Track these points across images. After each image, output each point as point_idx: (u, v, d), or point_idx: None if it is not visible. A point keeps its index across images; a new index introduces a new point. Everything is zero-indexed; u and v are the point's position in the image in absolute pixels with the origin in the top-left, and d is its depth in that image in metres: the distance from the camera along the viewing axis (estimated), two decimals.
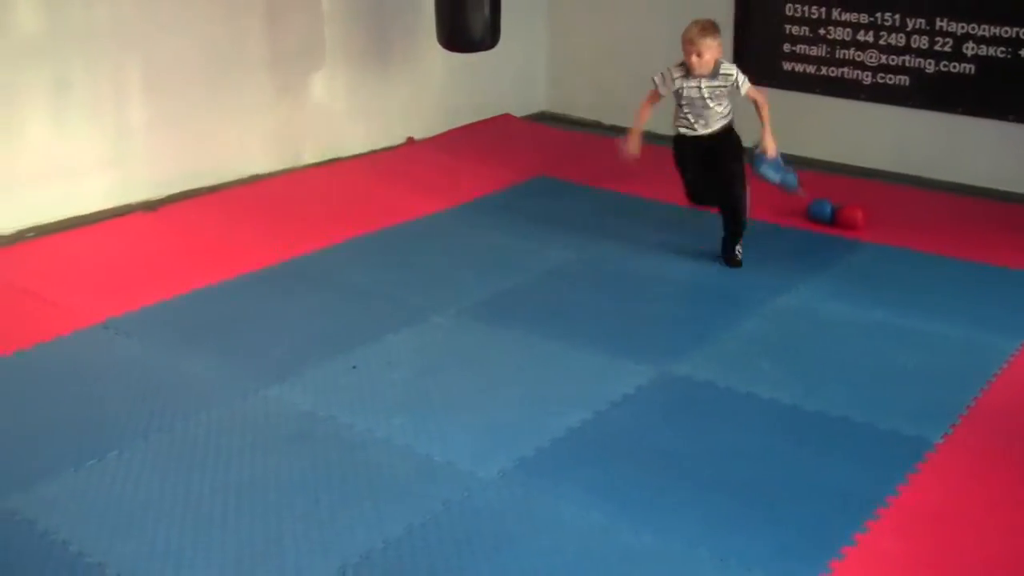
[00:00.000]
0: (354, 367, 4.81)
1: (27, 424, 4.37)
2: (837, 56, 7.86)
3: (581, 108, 9.36)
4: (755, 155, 5.92)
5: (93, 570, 3.45)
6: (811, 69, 7.98)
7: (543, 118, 9.46)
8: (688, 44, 5.71)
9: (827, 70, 7.92)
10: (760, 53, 8.15)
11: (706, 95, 5.78)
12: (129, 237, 6.48)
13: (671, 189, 7.17)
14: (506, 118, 9.18)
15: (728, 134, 5.92)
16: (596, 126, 9.11)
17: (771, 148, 5.87)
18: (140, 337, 5.11)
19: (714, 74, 5.77)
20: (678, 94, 5.85)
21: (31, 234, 6.41)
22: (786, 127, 8.09)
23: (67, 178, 6.65)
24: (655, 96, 5.98)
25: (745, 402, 4.56)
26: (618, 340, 5.11)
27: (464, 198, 7.15)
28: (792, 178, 6.20)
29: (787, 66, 8.07)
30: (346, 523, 3.70)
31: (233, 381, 4.68)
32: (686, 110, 5.86)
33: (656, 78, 5.91)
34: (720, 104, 5.81)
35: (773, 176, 6.03)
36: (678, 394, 4.64)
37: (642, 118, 6.04)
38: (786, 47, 8.05)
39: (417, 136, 8.54)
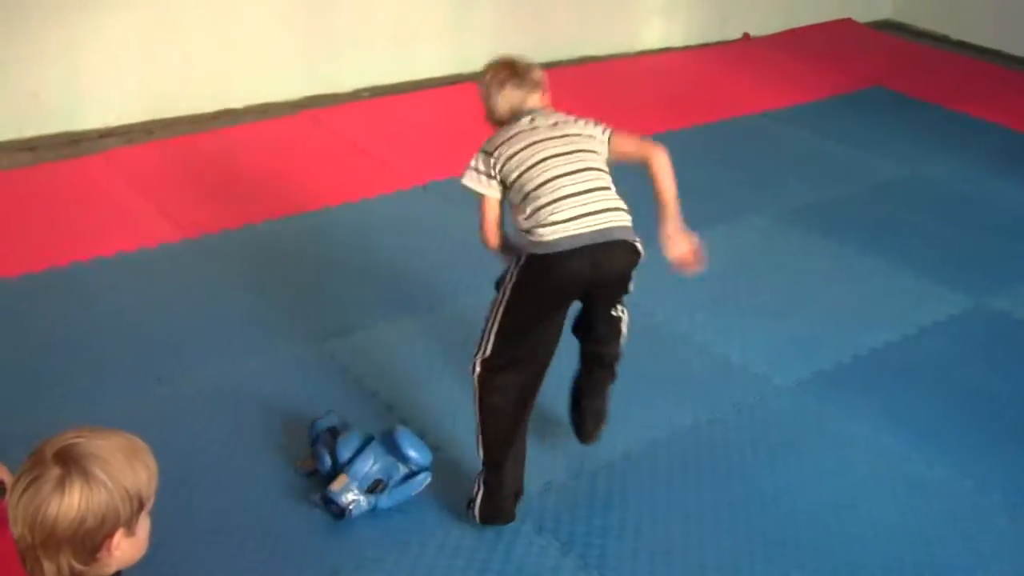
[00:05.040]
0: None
1: (348, 274, 4.59)
2: None
3: (928, 19, 8.93)
4: None
5: (384, 411, 3.63)
6: None
7: (887, 26, 9.08)
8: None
9: None
10: None
11: None
12: (459, 105, 6.61)
13: (1013, 115, 6.87)
14: (847, 23, 8.86)
15: None
16: (942, 40, 8.69)
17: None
18: (458, 201, 5.23)
19: None
20: None
21: (367, 94, 6.66)
22: None
23: (407, 43, 6.86)
24: None
25: None
26: (938, 265, 4.92)
27: (796, 100, 6.98)
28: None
29: None
30: (637, 409, 3.75)
31: None
32: None
33: None
34: None
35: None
36: (992, 329, 4.45)
37: None
38: None
39: (754, 32, 8.36)
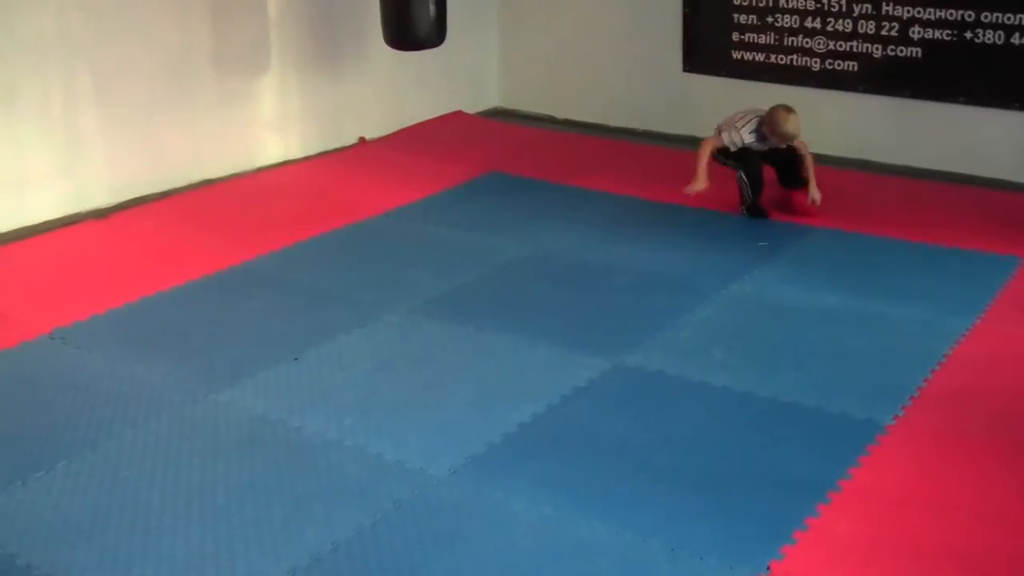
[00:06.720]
0: (296, 359, 4.85)
1: None
2: (786, 43, 7.88)
3: (533, 103, 9.35)
4: None
5: None
6: (760, 57, 8.00)
7: (495, 114, 9.45)
8: (790, 137, 6.42)
9: (776, 58, 7.93)
10: (710, 43, 8.19)
11: None
12: (79, 246, 6.41)
13: (621, 182, 7.26)
14: (458, 115, 9.15)
15: None
16: (549, 120, 9.11)
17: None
18: (88, 346, 5.06)
19: None
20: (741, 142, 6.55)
21: None
22: None
23: (16, 188, 6.58)
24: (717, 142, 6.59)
25: (697, 391, 4.57)
26: (570, 333, 5.10)
27: (417, 196, 7.12)
28: None
29: (736, 55, 8.09)
30: (296, 526, 3.68)
31: (183, 387, 4.64)
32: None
33: (725, 136, 6.55)
34: None
35: None
36: (630, 385, 4.64)
37: (705, 161, 6.54)
38: (735, 36, 8.07)
39: (369, 136, 8.50)
